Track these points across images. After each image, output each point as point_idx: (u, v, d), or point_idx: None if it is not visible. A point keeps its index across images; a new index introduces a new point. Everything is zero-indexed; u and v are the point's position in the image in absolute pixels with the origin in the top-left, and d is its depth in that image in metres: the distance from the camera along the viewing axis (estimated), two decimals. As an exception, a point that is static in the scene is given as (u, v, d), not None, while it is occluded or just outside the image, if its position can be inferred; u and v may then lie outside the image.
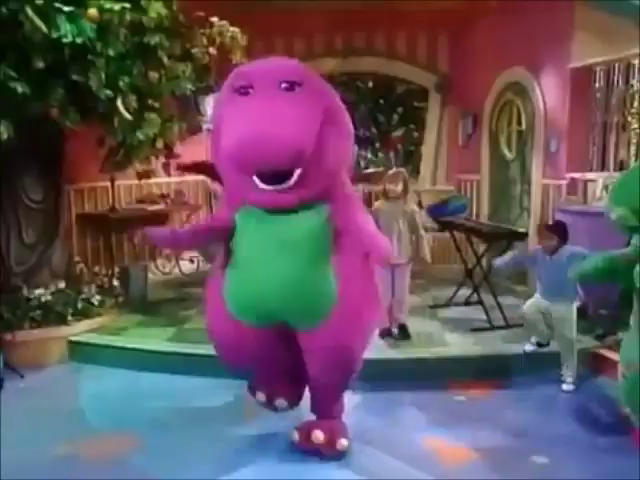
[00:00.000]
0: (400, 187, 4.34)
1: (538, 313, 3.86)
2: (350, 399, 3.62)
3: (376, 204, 4.54)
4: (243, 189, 2.66)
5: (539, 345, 3.96)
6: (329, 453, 2.97)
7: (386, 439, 3.20)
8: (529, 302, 3.94)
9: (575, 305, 3.80)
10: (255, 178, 2.54)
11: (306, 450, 3.01)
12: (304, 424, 3.09)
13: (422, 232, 4.49)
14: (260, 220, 2.71)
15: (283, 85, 2.52)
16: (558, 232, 3.77)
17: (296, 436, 3.05)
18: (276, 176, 2.51)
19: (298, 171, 2.52)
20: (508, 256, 4.23)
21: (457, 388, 3.82)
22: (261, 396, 3.15)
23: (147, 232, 2.93)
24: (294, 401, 3.20)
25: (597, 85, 5.36)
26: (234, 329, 2.83)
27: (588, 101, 5.33)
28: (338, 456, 2.98)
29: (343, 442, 2.99)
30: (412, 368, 3.97)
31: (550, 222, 3.97)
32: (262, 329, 2.81)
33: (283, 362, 3.02)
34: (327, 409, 3.09)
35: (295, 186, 2.55)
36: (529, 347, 4.00)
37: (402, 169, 4.77)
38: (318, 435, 2.97)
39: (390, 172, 4.59)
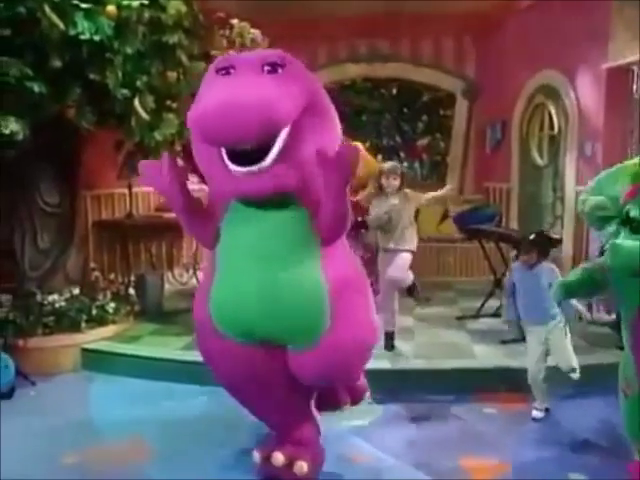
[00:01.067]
0: (397, 182, 4.22)
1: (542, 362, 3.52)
2: (374, 411, 3.56)
3: (368, 199, 4.39)
4: (216, 177, 2.47)
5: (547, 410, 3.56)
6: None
7: (414, 453, 3.09)
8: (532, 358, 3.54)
9: (562, 324, 3.46)
10: (225, 158, 2.33)
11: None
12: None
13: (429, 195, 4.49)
14: (240, 224, 2.54)
15: (266, 67, 2.41)
16: (543, 243, 3.59)
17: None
18: (247, 157, 2.31)
19: (273, 152, 2.31)
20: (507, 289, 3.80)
21: (487, 401, 3.71)
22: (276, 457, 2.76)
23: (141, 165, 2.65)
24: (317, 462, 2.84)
25: (635, 85, 5.22)
26: (218, 344, 2.65)
27: (625, 102, 5.19)
28: None
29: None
30: (439, 379, 3.87)
31: (536, 233, 3.73)
32: (247, 346, 2.60)
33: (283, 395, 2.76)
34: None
35: (270, 171, 2.33)
36: (538, 414, 3.52)
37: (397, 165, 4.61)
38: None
39: (386, 165, 4.38)
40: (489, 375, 3.92)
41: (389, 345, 4.27)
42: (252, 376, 2.67)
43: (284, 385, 2.71)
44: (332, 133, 2.57)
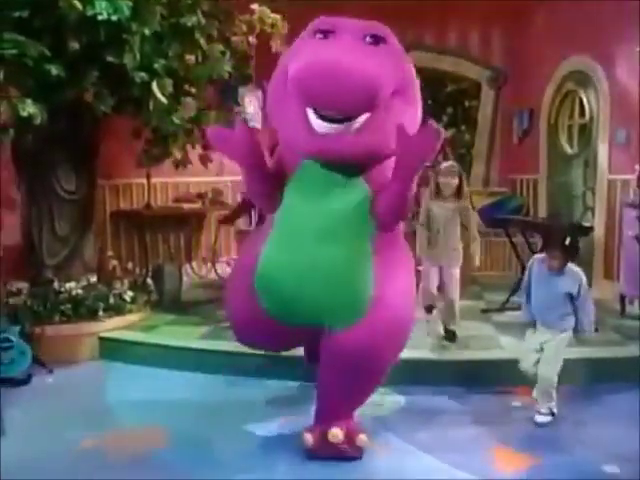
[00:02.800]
0: (456, 182, 4.02)
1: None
2: (397, 401, 3.52)
3: (426, 202, 4.17)
4: (295, 136, 2.49)
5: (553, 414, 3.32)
6: (349, 452, 2.79)
7: (437, 444, 3.03)
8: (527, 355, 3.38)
9: (568, 335, 3.27)
10: (313, 116, 2.37)
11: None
12: (316, 425, 2.86)
13: (476, 233, 4.23)
14: (306, 193, 2.57)
15: (367, 38, 2.43)
16: (576, 250, 3.25)
17: (309, 439, 2.82)
18: (335, 119, 2.35)
19: (362, 118, 2.36)
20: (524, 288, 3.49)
21: (513, 393, 3.64)
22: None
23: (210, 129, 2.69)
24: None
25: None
26: (258, 317, 2.69)
27: (660, 86, 5.06)
28: (359, 455, 2.82)
29: (362, 437, 2.81)
30: (464, 370, 3.82)
31: (566, 236, 3.25)
32: (291, 327, 2.67)
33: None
34: (335, 418, 2.83)
35: (354, 135, 2.37)
36: (542, 418, 3.28)
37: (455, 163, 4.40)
38: (336, 433, 2.75)
39: (443, 165, 4.18)
40: (514, 367, 3.83)
41: (453, 338, 4.20)
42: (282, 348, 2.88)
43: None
44: (414, 115, 2.61)
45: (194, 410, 3.46)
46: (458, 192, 4.07)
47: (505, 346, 4.16)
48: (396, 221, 2.67)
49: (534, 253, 4.89)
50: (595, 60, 5.53)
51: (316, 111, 2.37)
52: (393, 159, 2.51)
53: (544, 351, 3.26)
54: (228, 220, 5.88)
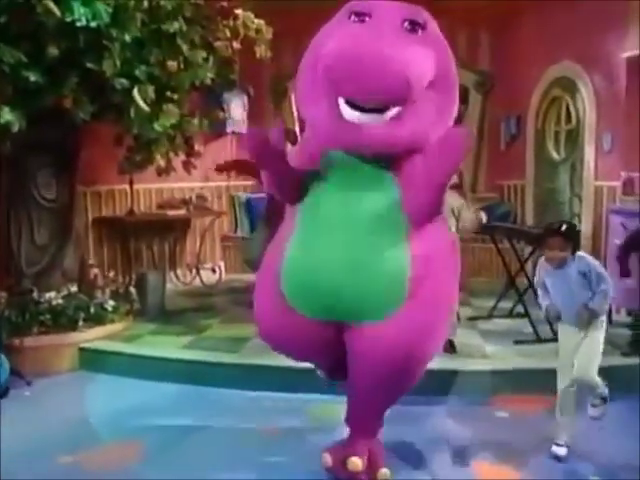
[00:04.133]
0: (453, 179, 4.09)
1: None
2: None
3: None
4: (324, 124, 2.39)
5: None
6: None
7: (420, 457, 3.03)
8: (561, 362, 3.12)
9: (601, 322, 3.04)
10: (343, 104, 2.27)
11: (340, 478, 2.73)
12: (337, 446, 2.76)
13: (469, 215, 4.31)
14: (332, 187, 2.47)
15: (406, 24, 2.32)
16: (564, 238, 2.98)
17: (328, 459, 2.71)
18: (363, 110, 2.25)
19: (395, 109, 2.25)
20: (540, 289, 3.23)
21: (499, 403, 3.64)
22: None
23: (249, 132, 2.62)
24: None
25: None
26: (284, 316, 2.56)
27: (645, 93, 5.10)
28: None
29: (385, 472, 2.66)
30: (450, 380, 3.79)
31: (556, 225, 3.09)
32: (317, 322, 2.53)
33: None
34: (366, 424, 2.75)
35: (386, 127, 2.26)
36: (560, 450, 3.04)
37: None
38: (356, 463, 2.62)
39: None
40: (502, 377, 3.84)
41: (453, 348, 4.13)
42: (311, 352, 2.69)
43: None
44: (451, 107, 2.51)
45: (176, 424, 3.43)
46: (454, 187, 4.03)
47: (492, 355, 4.17)
48: (429, 219, 2.52)
49: (520, 260, 4.95)
50: (581, 66, 5.56)
51: (348, 100, 2.28)
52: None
53: (579, 352, 3.01)
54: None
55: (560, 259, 2.98)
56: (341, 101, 2.28)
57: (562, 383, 3.07)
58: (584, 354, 2.99)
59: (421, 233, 2.48)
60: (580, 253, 3.04)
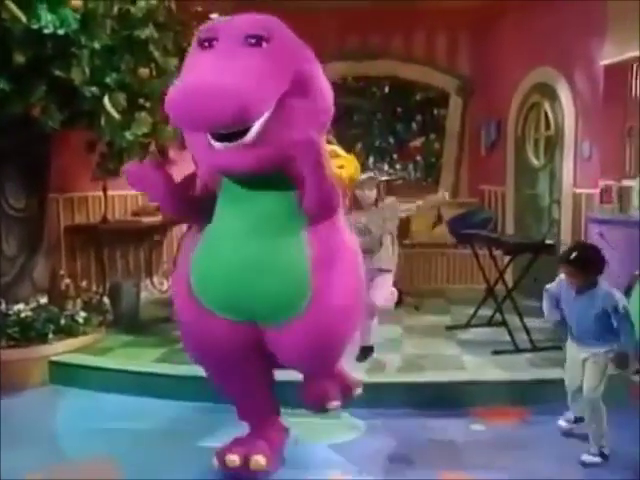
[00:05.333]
0: (373, 194, 4.21)
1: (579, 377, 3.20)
2: (355, 426, 3.50)
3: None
4: (200, 153, 2.52)
5: (577, 420, 3.35)
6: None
7: (397, 471, 3.02)
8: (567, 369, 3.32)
9: (606, 357, 3.09)
10: (208, 135, 2.35)
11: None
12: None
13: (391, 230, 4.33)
14: (229, 202, 2.62)
15: (249, 40, 2.33)
16: (584, 262, 3.03)
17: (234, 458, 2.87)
18: (229, 134, 2.30)
19: (252, 131, 2.29)
20: (546, 301, 3.33)
21: (475, 416, 3.63)
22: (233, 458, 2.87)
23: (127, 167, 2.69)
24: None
25: (634, 83, 5.18)
26: (197, 315, 2.72)
27: (624, 100, 5.15)
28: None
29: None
30: (425, 393, 3.79)
31: (575, 251, 3.10)
32: (228, 322, 2.67)
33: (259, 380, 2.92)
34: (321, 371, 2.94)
35: (251, 148, 2.33)
36: (564, 423, 3.41)
37: (374, 175, 4.54)
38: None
39: (362, 177, 4.20)
40: (478, 389, 3.85)
41: (361, 357, 4.17)
42: (228, 351, 2.75)
43: (258, 368, 2.87)
44: (318, 111, 2.53)
45: (149, 438, 3.40)
46: (376, 203, 4.25)
47: (469, 367, 4.18)
48: (325, 213, 2.61)
49: (499, 270, 4.97)
50: (559, 73, 5.60)
51: None
52: None
53: (585, 371, 3.13)
54: None
55: (575, 285, 3.05)
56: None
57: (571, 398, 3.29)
58: (589, 377, 3.09)
59: (319, 231, 2.61)
60: (608, 289, 3.04)
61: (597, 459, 3.07)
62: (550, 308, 3.29)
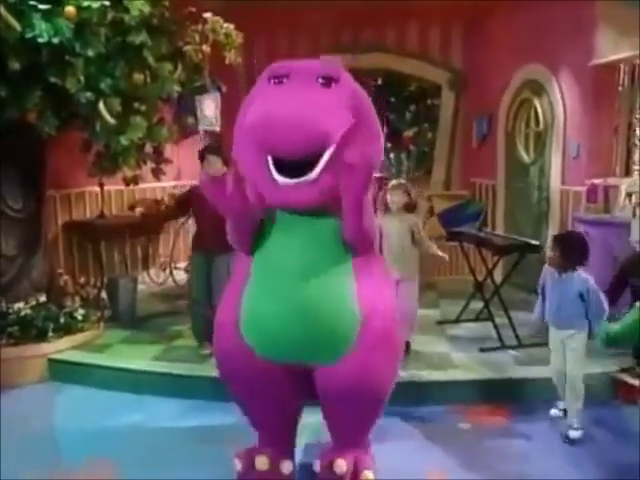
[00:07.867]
0: (403, 198, 4.29)
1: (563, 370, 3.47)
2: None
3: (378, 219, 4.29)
4: (261, 185, 2.58)
5: (566, 412, 3.55)
6: None
7: (383, 470, 3.05)
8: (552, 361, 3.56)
9: (582, 336, 3.38)
10: (272, 168, 2.46)
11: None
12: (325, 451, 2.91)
13: (429, 243, 4.44)
14: (280, 234, 2.67)
15: (320, 80, 2.53)
16: (567, 245, 3.38)
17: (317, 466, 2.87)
18: (294, 168, 2.43)
19: (319, 166, 2.43)
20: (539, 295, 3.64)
21: (462, 415, 3.71)
22: (263, 462, 2.87)
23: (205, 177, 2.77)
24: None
25: (622, 83, 5.21)
26: (242, 356, 2.72)
27: (612, 101, 5.18)
28: None
29: (368, 475, 2.84)
30: (411, 391, 3.82)
31: (564, 232, 3.59)
32: (274, 365, 2.70)
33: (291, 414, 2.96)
34: (347, 440, 2.91)
35: (316, 182, 2.46)
36: (555, 412, 3.64)
37: (404, 181, 4.65)
38: (340, 464, 2.78)
39: (392, 183, 4.51)
40: (465, 387, 3.94)
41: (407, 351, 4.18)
42: (267, 393, 2.80)
43: (296, 406, 2.94)
44: (377, 145, 2.69)
45: (148, 436, 3.45)
46: (407, 207, 4.33)
47: (457, 364, 4.24)
48: (366, 242, 2.73)
49: (487, 268, 5.02)
50: (549, 70, 5.62)
51: (276, 161, 2.46)
52: None
53: (566, 352, 3.41)
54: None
55: (553, 261, 3.36)
56: (270, 163, 2.47)
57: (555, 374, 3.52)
58: (570, 357, 3.39)
59: (364, 272, 2.68)
60: (583, 274, 3.34)
61: (579, 433, 3.35)
62: (539, 302, 3.58)
